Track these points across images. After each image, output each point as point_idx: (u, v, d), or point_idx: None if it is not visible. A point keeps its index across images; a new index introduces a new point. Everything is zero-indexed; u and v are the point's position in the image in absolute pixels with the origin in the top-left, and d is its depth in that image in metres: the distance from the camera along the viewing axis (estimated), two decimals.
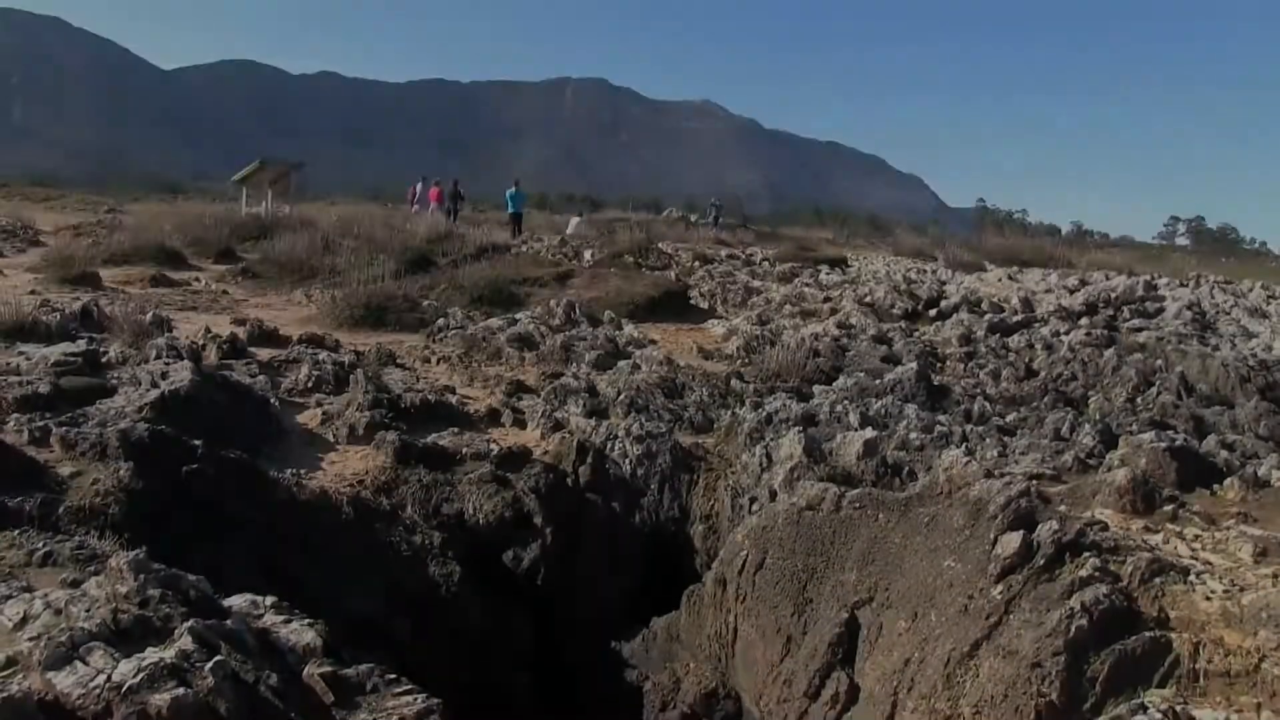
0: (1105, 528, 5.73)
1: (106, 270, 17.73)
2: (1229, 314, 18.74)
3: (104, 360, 9.54)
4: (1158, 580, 5.05)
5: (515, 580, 8.17)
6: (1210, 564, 5.34)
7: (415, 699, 4.19)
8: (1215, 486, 7.18)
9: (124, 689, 3.57)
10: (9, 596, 4.32)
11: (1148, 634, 4.65)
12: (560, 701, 8.17)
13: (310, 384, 10.31)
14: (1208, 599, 4.84)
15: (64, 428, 6.96)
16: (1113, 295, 19.20)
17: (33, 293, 14.09)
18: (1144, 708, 4.25)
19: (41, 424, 7.04)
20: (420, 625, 7.38)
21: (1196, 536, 5.81)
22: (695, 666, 7.40)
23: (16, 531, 5.27)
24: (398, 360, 12.17)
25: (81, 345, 9.70)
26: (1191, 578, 5.09)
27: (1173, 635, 4.64)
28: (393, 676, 4.34)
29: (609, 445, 9.27)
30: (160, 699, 3.53)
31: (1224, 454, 8.30)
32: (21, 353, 9.38)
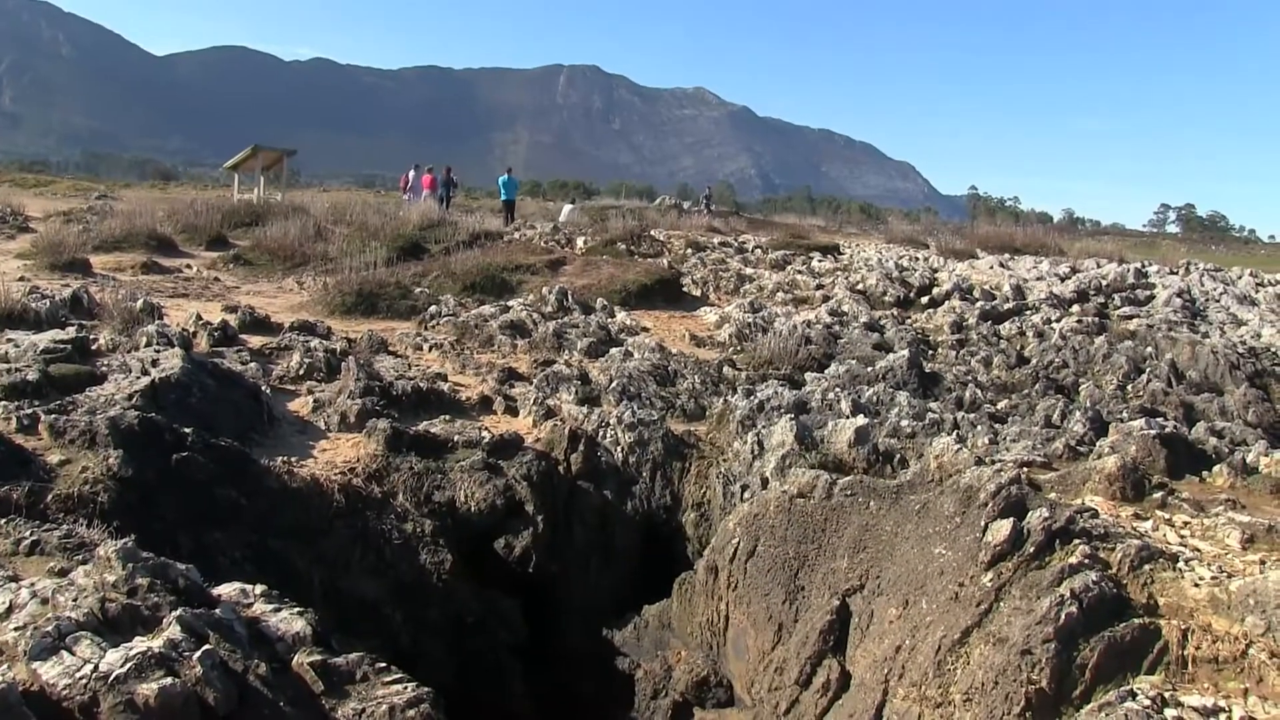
0: (1095, 515, 5.73)
1: (97, 257, 17.64)
2: (1218, 301, 18.77)
3: (94, 347, 9.50)
4: (1147, 567, 5.06)
5: (507, 568, 8.17)
6: (1199, 551, 5.35)
7: (405, 687, 4.19)
8: (1204, 473, 7.20)
9: (111, 679, 3.55)
10: None
11: (1137, 621, 4.66)
12: (553, 688, 8.18)
13: (302, 371, 10.28)
14: (1196, 586, 4.85)
15: (53, 415, 6.93)
16: (1104, 283, 19.21)
17: (22, 279, 14.01)
18: (1133, 694, 4.26)
19: (30, 411, 7.02)
20: (412, 612, 7.38)
21: (1185, 523, 5.82)
22: (687, 654, 7.42)
23: (3, 520, 5.24)
24: (389, 348, 12.14)
25: (71, 332, 9.66)
26: (1180, 564, 5.09)
27: (1161, 622, 4.65)
28: (383, 665, 4.34)
29: (601, 433, 9.27)
30: (148, 689, 3.52)
31: (1213, 441, 8.32)
32: (10, 340, 9.33)
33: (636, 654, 7.86)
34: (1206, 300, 18.53)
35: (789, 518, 6.79)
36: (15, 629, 3.87)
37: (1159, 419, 9.09)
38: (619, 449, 9.07)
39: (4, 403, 7.23)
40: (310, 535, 7.24)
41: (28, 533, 5.01)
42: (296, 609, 4.64)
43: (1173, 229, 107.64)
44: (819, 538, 6.61)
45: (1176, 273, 22.63)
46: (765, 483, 7.94)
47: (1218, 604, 4.66)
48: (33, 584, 4.25)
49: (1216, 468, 7.21)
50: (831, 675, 6.02)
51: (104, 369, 8.70)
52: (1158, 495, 6.33)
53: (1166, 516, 5.98)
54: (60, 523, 5.51)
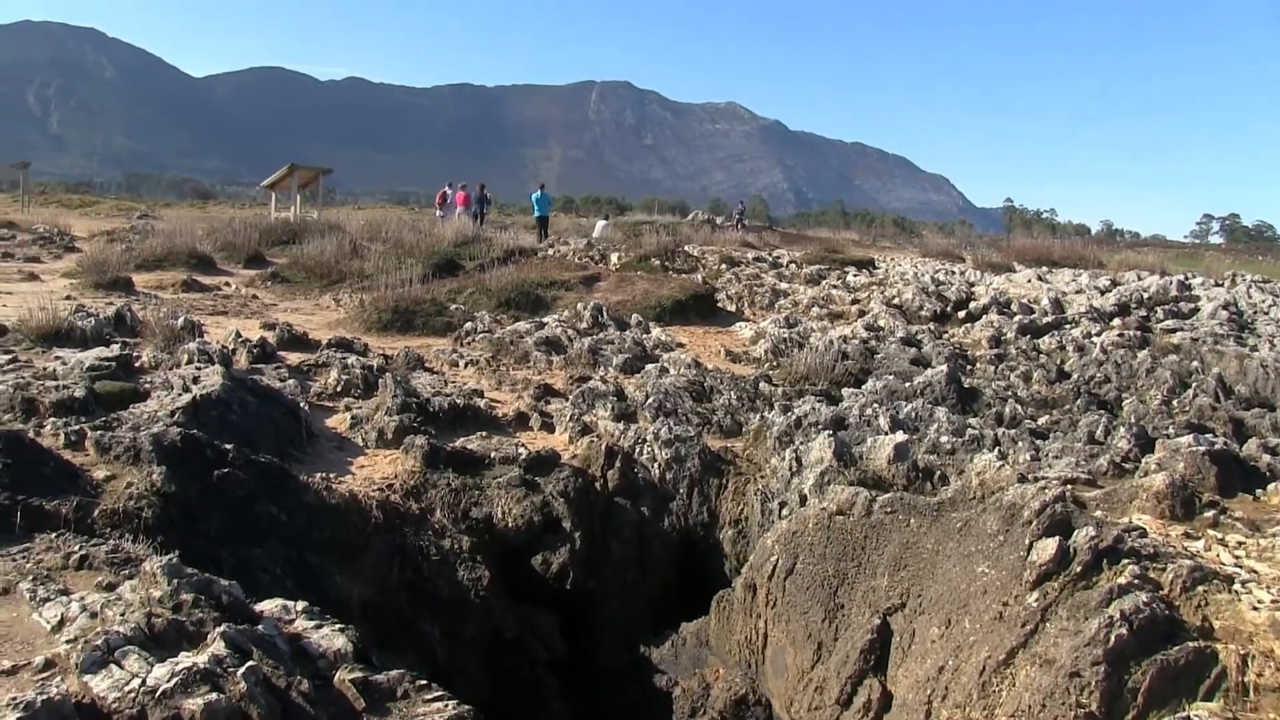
0: (1144, 534, 5.63)
1: (139, 275, 17.90)
2: (1267, 313, 18.44)
3: (137, 364, 9.61)
4: (1200, 589, 4.94)
5: (544, 584, 8.16)
6: (1256, 572, 5.22)
7: (446, 705, 4.18)
8: (1258, 491, 7.05)
9: (158, 693, 3.58)
10: (47, 599, 4.35)
11: (1191, 644, 4.54)
12: (589, 705, 8.15)
13: (339, 388, 10.34)
14: (1255, 609, 4.72)
15: (98, 431, 7.01)
16: (1145, 295, 18.97)
17: (68, 298, 14.22)
18: None
19: (77, 428, 7.10)
20: (450, 629, 7.38)
21: (1240, 543, 5.70)
22: (725, 672, 7.37)
23: (54, 534, 5.33)
24: (426, 364, 12.19)
25: (115, 350, 9.77)
26: (1236, 586, 4.97)
27: (1218, 646, 4.52)
28: (423, 682, 4.33)
29: (637, 449, 9.24)
30: (194, 704, 3.55)
31: (1266, 458, 8.14)
32: (58, 357, 9.47)
33: (674, 671, 7.81)
34: (1255, 312, 18.21)
35: (828, 535, 6.73)
36: (66, 642, 3.93)
37: (1207, 435, 8.94)
38: (656, 465, 9.04)
39: (53, 419, 7.32)
40: (349, 551, 7.26)
41: (76, 547, 5.08)
42: (338, 625, 4.65)
43: (1216, 239, 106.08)
44: (859, 555, 6.54)
45: (1222, 284, 22.29)
46: (804, 500, 7.88)
47: None
48: (82, 598, 4.30)
49: (1271, 485, 7.06)
50: (873, 695, 5.94)
51: (147, 386, 8.79)
52: (1209, 514, 6.21)
53: (1219, 536, 5.86)
54: (107, 537, 5.57)
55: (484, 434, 9.45)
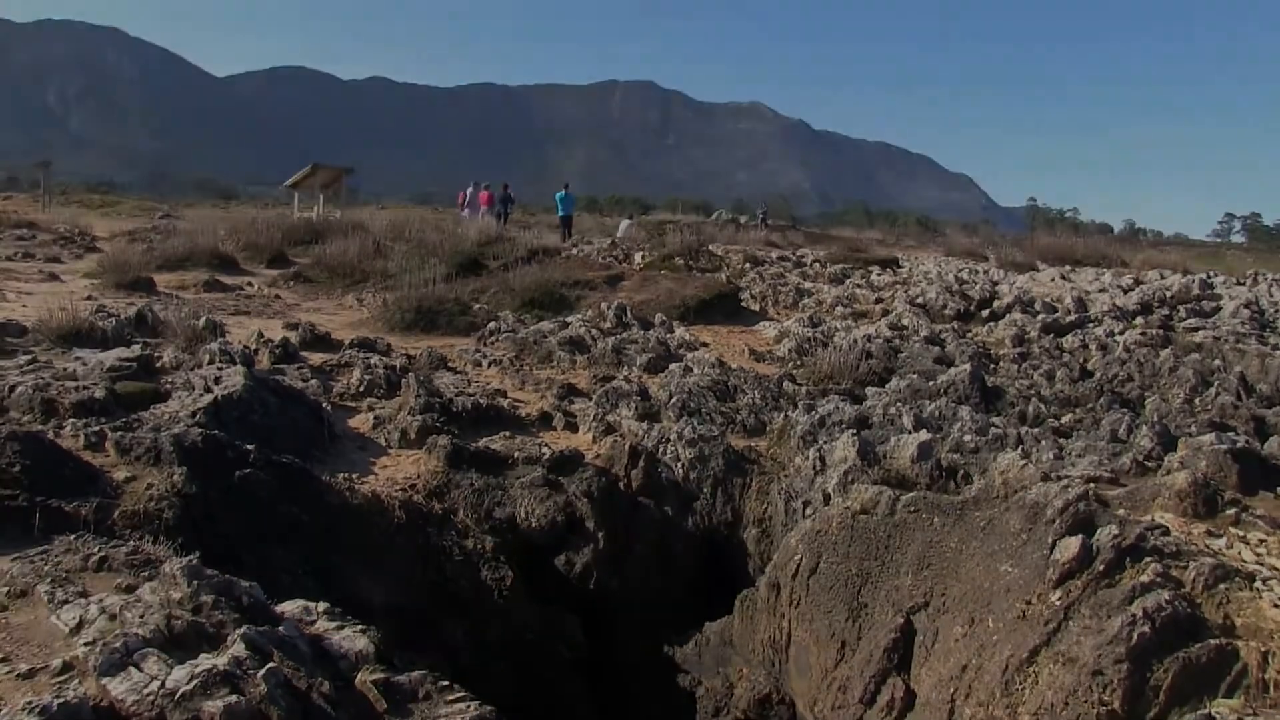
0: (1166, 532, 5.58)
1: (161, 275, 17.98)
2: None
3: (158, 365, 9.66)
4: (1222, 586, 4.91)
5: (567, 584, 8.16)
6: (1277, 569, 5.17)
7: (468, 706, 4.18)
8: (1279, 489, 6.98)
9: (177, 696, 3.59)
10: (65, 601, 4.37)
11: (1213, 642, 4.51)
12: (613, 706, 8.14)
13: (362, 388, 10.36)
14: (1276, 606, 4.68)
15: (119, 432, 7.04)
16: (1168, 294, 18.81)
17: (89, 298, 14.32)
18: (1211, 718, 4.13)
19: (97, 429, 7.13)
20: (473, 629, 7.39)
21: (1261, 541, 5.63)
22: (748, 672, 7.35)
23: (73, 536, 5.34)
24: (449, 364, 12.21)
25: (136, 350, 9.82)
26: (1258, 584, 4.93)
27: (1239, 643, 4.50)
28: (445, 683, 4.33)
29: (661, 449, 9.22)
30: (213, 706, 3.55)
31: None
32: (78, 357, 9.53)
33: (698, 670, 7.80)
34: (1276, 311, 18.02)
35: (852, 534, 6.70)
36: (85, 644, 3.93)
37: (1229, 433, 8.83)
38: (679, 465, 9.02)
39: (73, 420, 7.36)
40: (371, 552, 7.28)
41: (96, 549, 5.09)
42: (359, 626, 4.66)
43: (1238, 238, 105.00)
44: (882, 554, 6.51)
45: (1244, 283, 22.08)
46: (827, 499, 7.85)
47: None
48: (101, 600, 4.32)
49: None
50: (896, 694, 5.92)
51: (168, 386, 8.84)
52: (1231, 512, 6.14)
53: (1241, 534, 5.80)
54: (127, 539, 5.59)
55: (507, 434, 9.45)
